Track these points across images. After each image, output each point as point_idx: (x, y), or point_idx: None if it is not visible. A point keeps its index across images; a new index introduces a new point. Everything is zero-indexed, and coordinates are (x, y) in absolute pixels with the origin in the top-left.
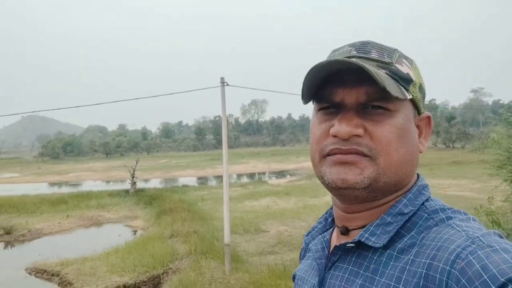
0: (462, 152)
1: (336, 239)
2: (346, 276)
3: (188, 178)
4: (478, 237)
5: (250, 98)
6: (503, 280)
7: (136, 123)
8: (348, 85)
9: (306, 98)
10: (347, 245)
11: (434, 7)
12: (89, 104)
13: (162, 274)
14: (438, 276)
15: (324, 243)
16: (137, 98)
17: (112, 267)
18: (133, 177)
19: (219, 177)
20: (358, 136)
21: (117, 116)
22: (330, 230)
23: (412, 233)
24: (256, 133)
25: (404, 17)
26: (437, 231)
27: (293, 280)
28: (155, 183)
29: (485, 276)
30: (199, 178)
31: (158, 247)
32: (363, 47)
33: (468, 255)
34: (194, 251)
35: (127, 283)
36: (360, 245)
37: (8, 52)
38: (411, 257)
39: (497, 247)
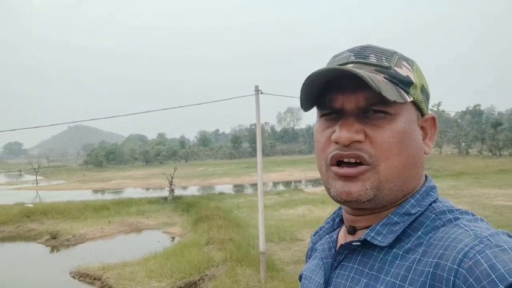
0: (510, 160)
1: (343, 238)
2: (351, 275)
3: (224, 186)
4: (486, 236)
5: (286, 106)
6: (511, 280)
7: (175, 132)
8: (346, 91)
9: (305, 106)
10: (353, 243)
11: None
12: (129, 113)
13: (199, 280)
14: (445, 275)
15: (331, 243)
16: (174, 107)
17: (151, 273)
18: (171, 185)
19: (255, 185)
20: (359, 141)
21: (157, 125)
22: (337, 230)
23: (419, 233)
24: (292, 141)
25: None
26: (444, 231)
27: (300, 280)
28: (192, 190)
29: (493, 276)
30: (235, 186)
31: (194, 253)
32: (361, 52)
33: (476, 254)
34: (229, 259)
35: None
36: (366, 244)
37: (59, 66)
38: (418, 256)
39: (506, 247)
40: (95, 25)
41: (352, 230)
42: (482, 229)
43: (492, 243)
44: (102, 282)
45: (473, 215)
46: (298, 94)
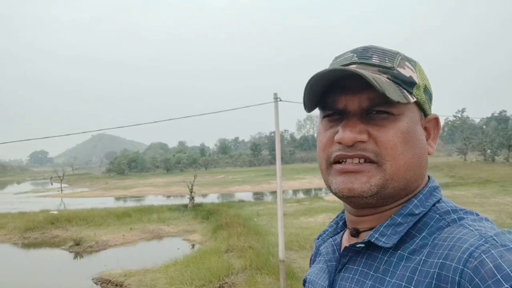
0: None
1: (347, 241)
2: (356, 277)
3: (244, 193)
4: (491, 236)
5: (306, 113)
6: None
7: (195, 140)
8: (349, 92)
9: (308, 107)
10: (357, 245)
11: None
12: (150, 122)
13: None
14: (451, 275)
15: (334, 246)
16: (194, 115)
17: (171, 280)
18: (191, 192)
19: (274, 193)
20: (362, 142)
21: (177, 133)
22: (341, 233)
23: (423, 234)
24: (311, 148)
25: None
26: (449, 231)
27: (304, 285)
28: (212, 198)
29: (499, 276)
30: (255, 194)
31: (214, 261)
32: (364, 52)
33: (482, 254)
34: (249, 266)
35: None
36: (370, 246)
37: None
38: (423, 258)
39: (511, 246)
40: (120, 38)
41: (355, 233)
42: (487, 229)
43: (498, 242)
44: None
45: (477, 215)
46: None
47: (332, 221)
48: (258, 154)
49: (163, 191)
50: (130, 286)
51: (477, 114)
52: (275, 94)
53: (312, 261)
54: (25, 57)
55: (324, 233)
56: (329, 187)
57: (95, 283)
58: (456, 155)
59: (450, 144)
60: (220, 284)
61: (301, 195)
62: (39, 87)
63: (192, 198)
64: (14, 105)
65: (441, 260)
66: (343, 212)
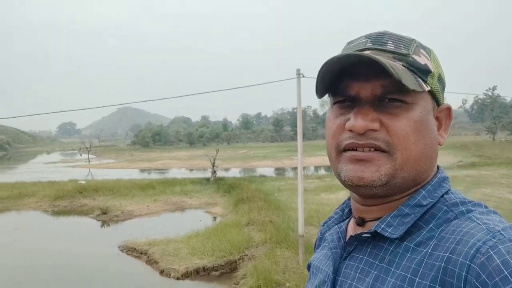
0: None
1: (352, 229)
2: (361, 266)
3: (265, 169)
4: (499, 231)
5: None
6: None
7: (218, 115)
8: (362, 78)
9: (320, 92)
10: (363, 235)
11: None
12: (174, 96)
13: (238, 259)
14: (457, 270)
15: (340, 233)
16: (217, 91)
17: (193, 250)
18: (213, 166)
19: (296, 168)
20: (374, 130)
21: (200, 108)
22: (347, 220)
23: (430, 225)
24: None
25: None
26: (456, 224)
27: (308, 269)
28: (234, 172)
29: (506, 272)
30: (277, 169)
31: (235, 234)
32: (379, 38)
33: (489, 249)
34: (269, 240)
35: (206, 265)
36: (376, 236)
37: (112, 55)
38: (429, 250)
39: None
40: (144, 14)
41: (361, 222)
42: (495, 223)
43: (505, 237)
44: (148, 257)
45: (486, 207)
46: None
47: (337, 208)
48: (280, 130)
49: (186, 164)
50: (154, 254)
51: (509, 92)
52: (298, 70)
53: (316, 246)
54: (62, 34)
55: (330, 220)
56: (337, 175)
57: (121, 250)
58: (485, 134)
59: (478, 123)
60: (240, 256)
61: (322, 172)
62: (70, 63)
63: (214, 172)
64: (46, 78)
65: (447, 254)
66: (349, 199)
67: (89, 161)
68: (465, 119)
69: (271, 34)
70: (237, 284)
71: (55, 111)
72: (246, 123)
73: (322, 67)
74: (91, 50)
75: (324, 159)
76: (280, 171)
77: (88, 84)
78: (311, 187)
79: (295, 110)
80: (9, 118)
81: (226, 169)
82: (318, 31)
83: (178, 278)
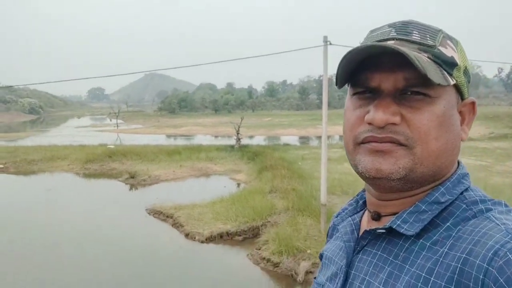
0: None
1: (366, 223)
2: (374, 261)
3: (290, 137)
4: None
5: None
6: None
7: (243, 82)
8: (385, 70)
9: (340, 83)
10: (378, 230)
11: None
12: (200, 63)
13: (261, 226)
14: (474, 272)
15: (353, 226)
16: (243, 58)
17: (217, 215)
18: (238, 133)
19: (320, 137)
20: (394, 124)
21: (226, 75)
22: (361, 213)
23: (448, 223)
24: None
25: None
26: (474, 224)
27: (320, 259)
28: (258, 140)
29: None
30: (301, 138)
31: (258, 200)
32: (404, 28)
33: (507, 252)
34: (291, 208)
35: (230, 230)
36: (391, 232)
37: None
38: (446, 250)
39: None
40: None
41: (376, 216)
42: None
43: None
44: (174, 220)
45: (506, 206)
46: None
47: (351, 200)
48: (305, 98)
49: (211, 131)
50: (180, 218)
51: None
52: (325, 38)
53: (329, 235)
54: (89, 9)
55: (343, 211)
56: (355, 167)
57: (148, 213)
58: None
59: None
60: (263, 222)
61: None
62: (100, 34)
63: (238, 139)
64: (76, 45)
65: (464, 255)
66: (363, 190)
67: (117, 126)
68: (500, 88)
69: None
70: (259, 249)
71: (83, 78)
72: (272, 90)
73: (344, 57)
74: (121, 13)
75: None
76: (304, 139)
77: (116, 50)
78: (335, 157)
79: (321, 78)
80: (42, 83)
81: (251, 137)
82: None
83: (202, 242)
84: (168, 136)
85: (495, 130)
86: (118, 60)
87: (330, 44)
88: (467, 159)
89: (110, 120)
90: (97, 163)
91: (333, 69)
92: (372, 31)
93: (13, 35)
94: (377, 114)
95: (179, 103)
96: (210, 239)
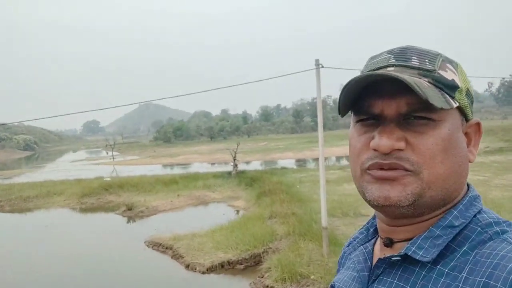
0: None
1: (379, 251)
2: None
3: (286, 160)
4: None
5: (349, 78)
6: None
7: (238, 108)
8: (387, 96)
9: (343, 111)
10: (393, 258)
11: None
12: (194, 92)
13: (263, 253)
14: None
15: (366, 254)
16: (236, 85)
17: (217, 244)
18: (234, 160)
19: (317, 159)
20: (399, 149)
21: (220, 101)
22: (372, 241)
23: (464, 248)
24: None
25: None
26: (491, 247)
27: None
28: (255, 165)
29: None
30: (297, 160)
31: (258, 227)
32: (402, 53)
33: None
34: (292, 232)
35: (231, 259)
36: (406, 259)
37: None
38: (465, 275)
39: None
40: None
41: (389, 242)
42: None
43: None
44: (173, 251)
45: None
46: (361, 67)
47: (362, 228)
48: (300, 121)
49: (207, 158)
50: (179, 249)
51: None
52: (317, 61)
53: (340, 264)
54: (83, 39)
55: (354, 240)
56: (362, 194)
57: (147, 245)
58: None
59: (506, 106)
60: (264, 249)
61: (344, 162)
62: (91, 67)
63: (235, 165)
64: (71, 81)
65: (484, 279)
66: (374, 218)
67: (113, 158)
68: (491, 102)
69: (292, 24)
70: (261, 277)
71: (78, 112)
72: (266, 115)
73: (345, 87)
74: (113, 48)
75: (345, 149)
76: (301, 162)
77: (110, 81)
78: (333, 178)
79: (315, 100)
80: (35, 119)
81: (247, 162)
82: (338, 25)
83: (203, 272)
84: (165, 165)
85: (490, 144)
86: (114, 92)
87: (322, 66)
88: None
89: (106, 153)
90: (93, 197)
91: (326, 91)
92: (371, 58)
93: (5, 74)
94: (382, 140)
95: (174, 132)
96: (211, 269)
